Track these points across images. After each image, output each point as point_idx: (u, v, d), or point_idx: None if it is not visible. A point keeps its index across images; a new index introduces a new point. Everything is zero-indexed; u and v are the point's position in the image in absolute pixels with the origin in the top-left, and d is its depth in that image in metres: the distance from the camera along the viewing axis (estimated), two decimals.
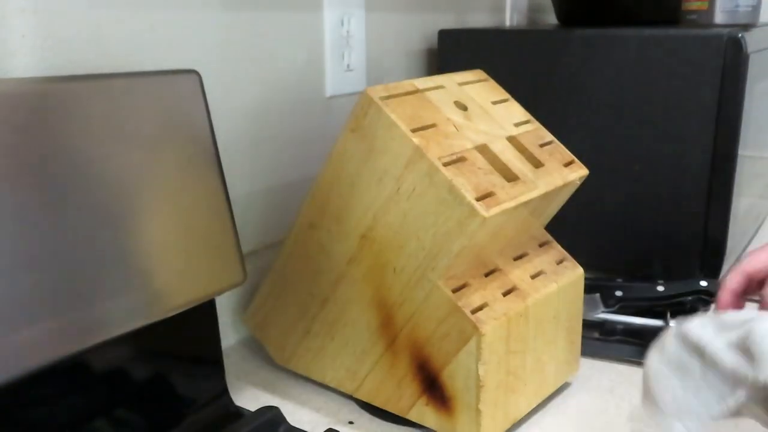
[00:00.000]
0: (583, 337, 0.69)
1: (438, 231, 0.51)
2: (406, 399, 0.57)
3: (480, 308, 0.52)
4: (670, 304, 0.74)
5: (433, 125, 0.53)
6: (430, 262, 0.53)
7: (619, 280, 0.79)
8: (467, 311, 0.51)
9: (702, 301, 0.73)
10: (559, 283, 0.60)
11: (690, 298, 0.73)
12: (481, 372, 0.52)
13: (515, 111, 0.62)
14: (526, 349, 0.57)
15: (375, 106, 0.52)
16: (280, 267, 0.64)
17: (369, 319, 0.58)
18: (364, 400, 0.61)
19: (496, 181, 0.52)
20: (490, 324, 0.52)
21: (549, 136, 0.62)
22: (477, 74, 0.64)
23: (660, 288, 0.74)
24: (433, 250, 0.52)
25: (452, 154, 0.51)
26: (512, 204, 0.51)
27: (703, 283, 0.74)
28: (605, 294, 0.74)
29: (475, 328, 0.51)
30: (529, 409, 0.60)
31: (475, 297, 0.53)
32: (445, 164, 0.50)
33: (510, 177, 0.54)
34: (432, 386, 0.55)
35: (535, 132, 0.61)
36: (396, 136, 0.51)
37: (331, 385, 0.63)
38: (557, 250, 0.63)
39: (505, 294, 0.55)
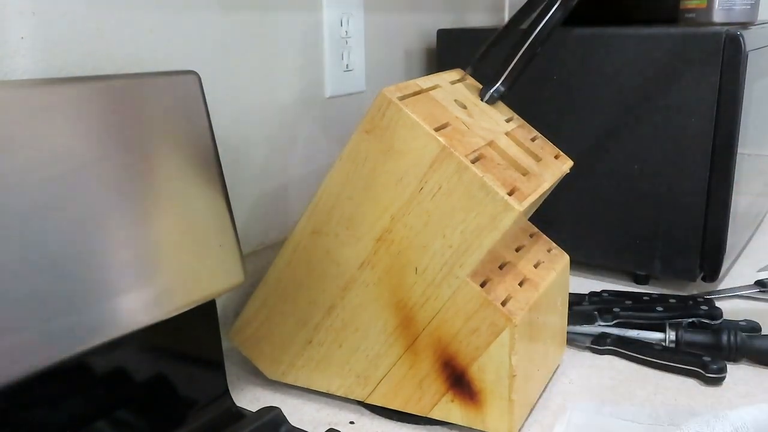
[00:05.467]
0: (576, 344, 0.74)
1: (467, 228, 0.54)
2: (428, 398, 0.60)
3: (506, 300, 0.56)
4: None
5: (447, 124, 0.57)
6: (458, 259, 0.55)
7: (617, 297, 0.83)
8: (498, 304, 0.55)
9: (702, 324, 0.77)
10: (556, 270, 0.65)
11: (688, 320, 0.76)
12: (513, 362, 0.55)
13: (500, 108, 0.66)
14: (539, 336, 0.61)
15: (394, 106, 0.54)
16: (276, 277, 0.64)
17: (385, 321, 0.60)
18: (378, 404, 0.63)
19: (514, 175, 0.56)
20: (519, 315, 0.56)
21: (534, 131, 0.66)
22: (459, 73, 0.68)
23: (659, 309, 0.77)
24: (461, 247, 0.54)
25: (474, 152, 0.55)
26: (535, 197, 0.56)
27: (704, 308, 0.78)
28: (602, 311, 0.77)
29: (508, 320, 0.55)
30: (540, 393, 0.65)
31: (499, 290, 0.57)
32: (471, 162, 0.53)
33: (521, 171, 0.58)
34: (458, 382, 0.58)
35: (523, 127, 0.66)
36: (419, 135, 0.54)
37: (338, 393, 0.65)
38: (545, 240, 0.68)
39: (520, 285, 0.59)
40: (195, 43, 0.69)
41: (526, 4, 0.66)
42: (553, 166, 0.63)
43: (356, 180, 0.57)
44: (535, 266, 0.63)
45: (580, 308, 0.79)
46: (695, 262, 0.83)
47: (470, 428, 0.59)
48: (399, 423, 0.62)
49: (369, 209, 0.57)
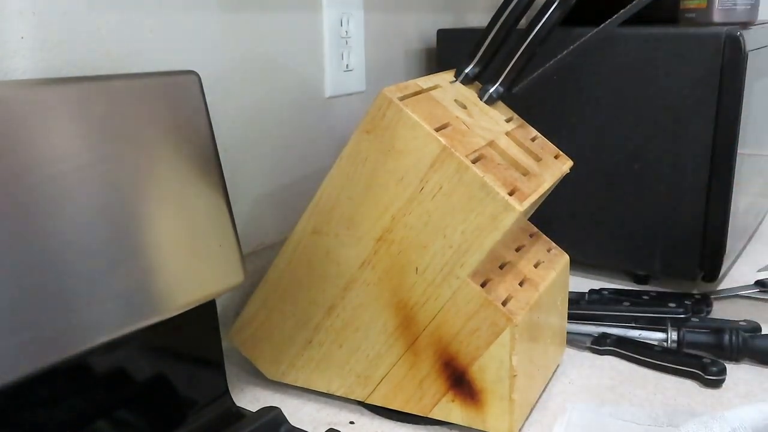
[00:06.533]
0: (576, 344, 0.75)
1: (468, 228, 0.54)
2: (428, 398, 0.60)
3: (507, 300, 0.57)
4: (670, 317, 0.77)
5: (448, 124, 0.57)
6: (458, 259, 0.55)
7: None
8: (498, 304, 0.55)
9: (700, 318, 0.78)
10: (556, 270, 0.65)
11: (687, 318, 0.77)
12: (514, 362, 0.56)
13: (500, 108, 0.66)
14: (540, 336, 0.62)
15: (394, 106, 0.55)
16: (276, 277, 0.65)
17: (385, 321, 0.60)
18: (378, 404, 0.63)
19: (515, 175, 0.57)
20: (519, 314, 0.56)
21: (534, 132, 0.67)
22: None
23: (659, 308, 0.78)
24: (462, 247, 0.55)
25: (474, 152, 0.55)
26: (535, 197, 0.56)
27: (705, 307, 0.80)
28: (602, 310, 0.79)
29: (509, 320, 0.55)
30: (540, 393, 0.65)
31: (500, 290, 0.57)
32: (472, 162, 0.54)
33: (522, 171, 0.59)
34: (459, 382, 0.58)
35: (523, 128, 0.66)
36: (420, 135, 0.54)
37: (338, 393, 0.65)
38: (544, 240, 0.68)
39: (520, 285, 0.60)
40: (195, 43, 0.69)
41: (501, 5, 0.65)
42: (553, 166, 0.63)
43: (356, 180, 0.57)
44: (535, 266, 0.63)
45: (580, 307, 0.79)
46: (695, 262, 0.84)
47: (470, 428, 0.59)
48: (399, 423, 0.62)
49: (369, 209, 0.57)
